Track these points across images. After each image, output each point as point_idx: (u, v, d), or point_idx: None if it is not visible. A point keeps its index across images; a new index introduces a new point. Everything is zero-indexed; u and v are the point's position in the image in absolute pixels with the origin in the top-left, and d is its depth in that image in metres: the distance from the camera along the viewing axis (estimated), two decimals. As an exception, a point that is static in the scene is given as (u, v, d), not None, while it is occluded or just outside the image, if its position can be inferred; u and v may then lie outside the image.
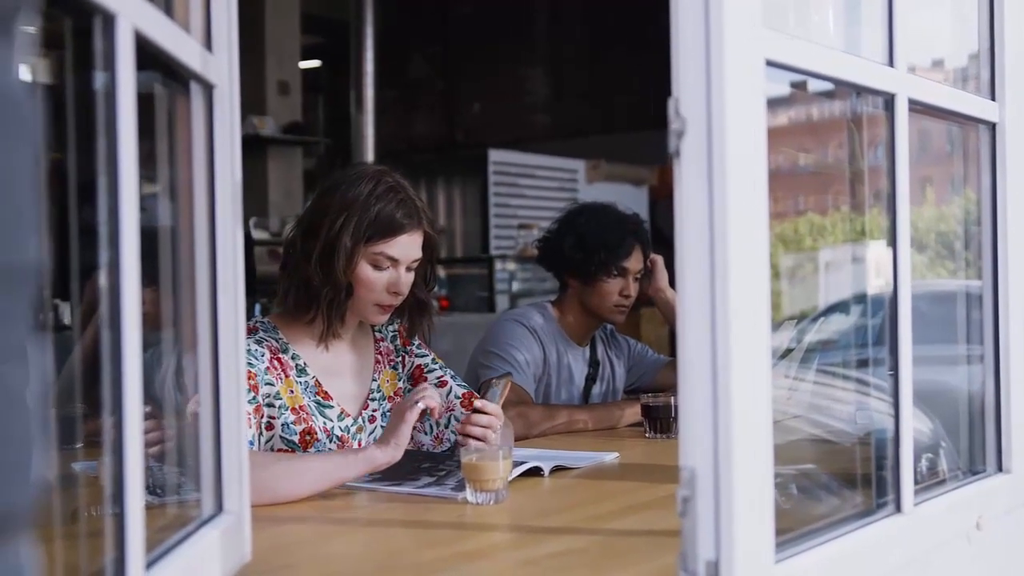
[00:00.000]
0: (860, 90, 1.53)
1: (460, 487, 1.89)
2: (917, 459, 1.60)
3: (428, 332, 2.35)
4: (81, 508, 1.29)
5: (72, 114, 1.06)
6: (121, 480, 1.00)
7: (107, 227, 0.99)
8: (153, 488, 1.33)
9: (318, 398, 2.19)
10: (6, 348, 0.58)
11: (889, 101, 1.50)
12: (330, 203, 2.15)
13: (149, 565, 1.07)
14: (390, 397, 2.32)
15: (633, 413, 2.80)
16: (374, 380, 2.31)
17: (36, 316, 0.60)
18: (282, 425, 2.12)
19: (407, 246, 2.18)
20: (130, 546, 1.00)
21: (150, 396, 1.08)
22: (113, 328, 0.99)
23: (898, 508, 1.50)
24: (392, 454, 1.92)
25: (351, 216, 2.12)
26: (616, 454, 2.35)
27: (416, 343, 2.40)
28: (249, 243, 3.46)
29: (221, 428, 1.36)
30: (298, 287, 2.17)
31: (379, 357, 2.34)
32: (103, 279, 0.99)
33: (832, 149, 2.02)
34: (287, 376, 2.15)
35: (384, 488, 1.96)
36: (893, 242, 1.51)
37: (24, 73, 0.62)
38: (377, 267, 2.16)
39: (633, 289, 2.98)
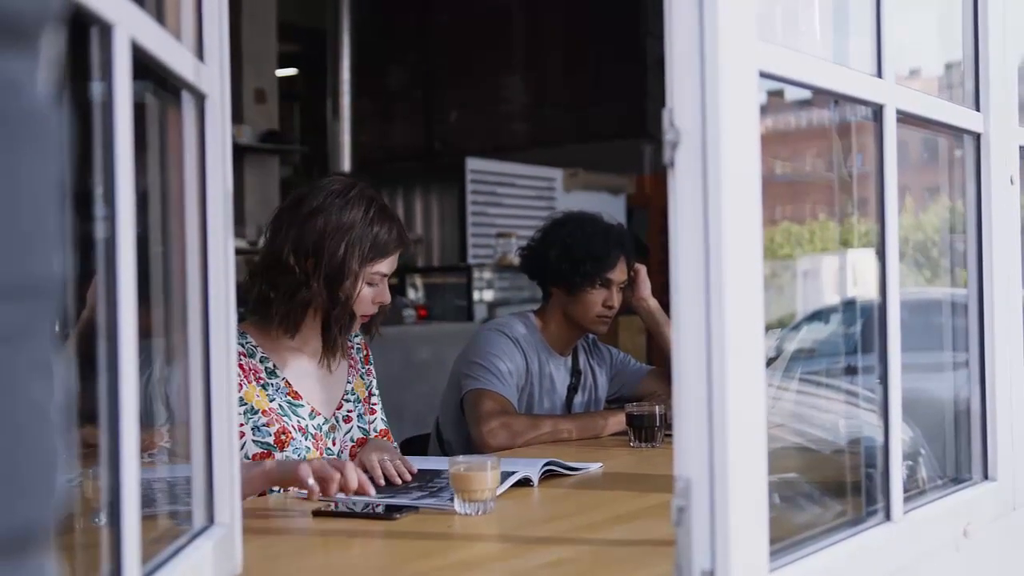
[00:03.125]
0: (850, 101, 1.54)
1: (448, 501, 1.88)
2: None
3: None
4: (76, 519, 1.28)
5: (65, 123, 1.05)
6: (118, 493, 0.99)
7: (103, 236, 0.98)
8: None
9: (288, 398, 2.24)
10: (32, 362, 0.57)
11: (878, 112, 1.51)
12: (324, 226, 2.20)
13: (144, 578, 1.06)
14: (364, 400, 2.41)
15: (617, 422, 2.80)
16: (348, 382, 2.38)
17: (59, 330, 0.60)
18: (253, 429, 2.17)
19: (395, 261, 2.30)
20: (126, 559, 0.99)
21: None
22: (109, 339, 0.98)
23: (888, 516, 1.51)
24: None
25: (353, 241, 2.20)
26: (600, 464, 2.35)
27: (369, 365, 2.48)
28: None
29: (212, 440, 1.35)
30: (299, 308, 2.22)
31: (352, 362, 2.42)
32: (100, 290, 0.98)
33: (809, 158, 2.03)
34: (250, 382, 2.20)
35: (378, 499, 1.94)
36: (882, 251, 1.52)
37: (49, 86, 0.62)
38: (370, 284, 2.26)
39: (616, 300, 2.98)
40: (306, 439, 2.22)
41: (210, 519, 1.34)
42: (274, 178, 7.81)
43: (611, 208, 7.27)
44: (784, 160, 1.94)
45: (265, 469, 1.98)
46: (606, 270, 2.95)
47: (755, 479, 1.20)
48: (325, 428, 2.29)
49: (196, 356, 1.35)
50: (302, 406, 2.25)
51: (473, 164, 7.78)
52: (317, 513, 1.85)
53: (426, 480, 2.10)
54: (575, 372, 3.12)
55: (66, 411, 0.62)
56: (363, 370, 2.44)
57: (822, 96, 1.58)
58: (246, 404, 2.17)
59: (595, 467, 2.33)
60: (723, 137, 1.15)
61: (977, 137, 1.81)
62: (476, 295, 7.18)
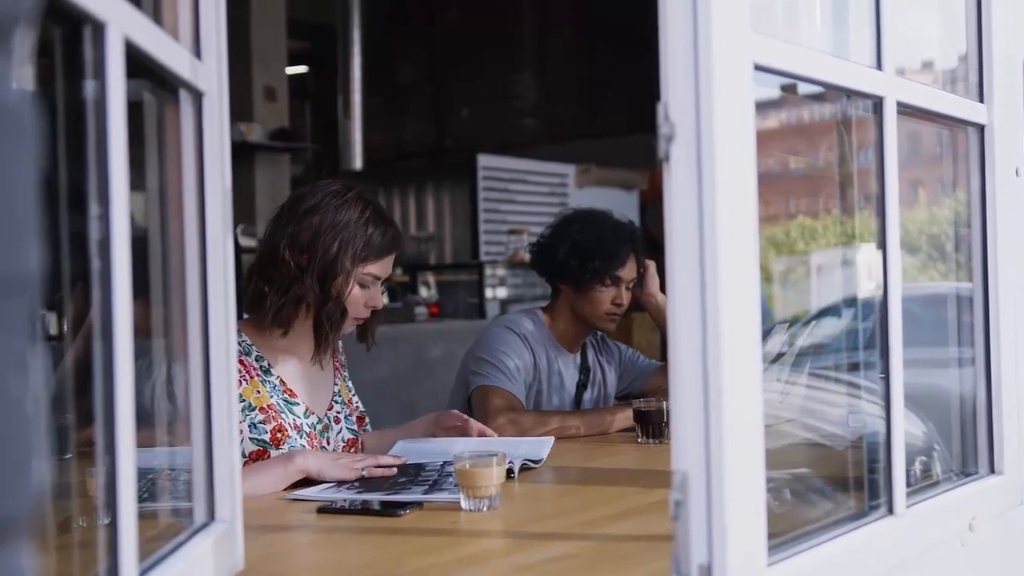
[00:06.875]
0: (848, 93, 1.54)
1: (457, 490, 1.88)
2: (911, 462, 1.60)
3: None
4: (75, 518, 1.29)
5: (60, 122, 1.05)
6: (114, 490, 0.99)
7: (98, 236, 0.99)
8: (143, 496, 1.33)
9: (285, 396, 2.28)
10: (8, 355, 0.58)
11: (878, 104, 1.50)
12: (319, 224, 2.24)
13: (142, 574, 1.07)
14: (347, 403, 2.45)
15: (624, 418, 2.80)
16: (335, 384, 2.43)
17: (35, 324, 0.61)
18: (250, 426, 2.20)
19: (390, 265, 2.33)
20: (123, 555, 1.00)
21: (140, 406, 1.08)
22: (105, 338, 0.99)
23: (890, 510, 1.50)
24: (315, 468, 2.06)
25: (347, 240, 2.24)
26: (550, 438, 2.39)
27: (346, 372, 2.52)
28: (236, 250, 3.50)
29: (213, 437, 1.35)
30: (292, 303, 2.25)
31: (337, 366, 2.47)
32: (95, 289, 0.99)
33: (823, 152, 2.03)
34: (252, 378, 2.24)
35: (381, 498, 1.94)
36: (883, 244, 1.51)
37: (23, 83, 0.63)
38: (363, 286, 2.29)
39: (625, 298, 2.98)
40: (301, 437, 2.26)
41: (211, 515, 1.35)
42: (285, 176, 7.81)
43: (624, 204, 7.27)
44: (798, 154, 1.93)
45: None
46: (615, 268, 2.94)
47: (752, 473, 1.19)
48: (319, 427, 2.33)
49: (196, 354, 1.35)
50: (297, 404, 2.29)
51: (485, 161, 7.78)
52: (321, 510, 1.85)
53: (411, 477, 2.09)
54: (584, 369, 3.11)
55: (43, 405, 0.63)
56: (344, 374, 2.49)
57: (832, 90, 1.57)
58: (244, 401, 2.20)
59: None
60: (717, 131, 1.15)
61: (981, 129, 1.80)
62: (488, 292, 7.18)
